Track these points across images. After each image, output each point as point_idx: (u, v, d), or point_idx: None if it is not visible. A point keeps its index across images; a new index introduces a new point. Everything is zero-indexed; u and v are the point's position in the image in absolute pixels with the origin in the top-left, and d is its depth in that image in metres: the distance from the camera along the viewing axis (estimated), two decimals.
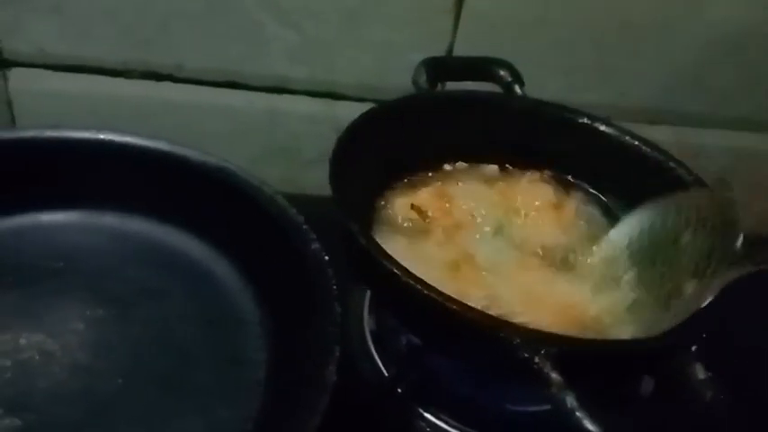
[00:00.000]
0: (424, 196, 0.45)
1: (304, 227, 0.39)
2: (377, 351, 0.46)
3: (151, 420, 0.36)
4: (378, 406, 0.44)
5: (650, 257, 0.42)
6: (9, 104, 0.59)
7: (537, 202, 0.47)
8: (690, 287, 0.38)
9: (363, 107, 0.60)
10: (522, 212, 0.46)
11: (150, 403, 0.37)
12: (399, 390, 0.43)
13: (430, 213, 0.44)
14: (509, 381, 0.41)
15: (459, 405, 0.43)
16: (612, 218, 0.48)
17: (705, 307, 0.37)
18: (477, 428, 0.42)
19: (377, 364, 0.45)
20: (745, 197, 0.68)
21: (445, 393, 0.43)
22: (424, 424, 0.42)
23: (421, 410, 0.42)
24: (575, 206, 0.47)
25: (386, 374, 0.44)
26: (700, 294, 0.35)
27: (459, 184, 0.48)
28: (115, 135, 0.44)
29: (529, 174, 0.49)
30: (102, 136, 0.43)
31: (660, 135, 0.64)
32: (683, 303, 0.36)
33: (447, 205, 0.45)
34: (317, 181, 0.62)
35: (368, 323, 0.47)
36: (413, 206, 0.44)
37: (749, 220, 0.69)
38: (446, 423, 0.42)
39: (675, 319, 0.34)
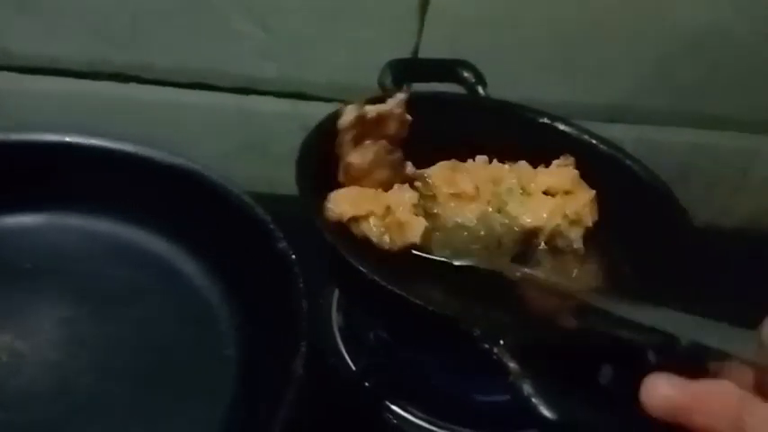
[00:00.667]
0: None
1: (271, 226, 0.40)
2: (345, 347, 0.46)
3: (126, 418, 0.37)
4: (346, 400, 0.45)
5: None
6: None
7: None
8: None
9: (332, 107, 0.61)
10: None
11: (125, 401, 0.37)
12: (367, 383, 0.44)
13: None
14: (473, 371, 0.42)
15: (428, 397, 0.44)
16: None
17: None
18: (446, 420, 0.43)
19: (345, 359, 0.46)
20: (704, 192, 0.71)
21: (413, 386, 0.45)
22: (391, 416, 0.43)
23: (389, 403, 0.43)
24: None
25: (354, 368, 0.45)
26: None
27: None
28: (81, 137, 0.44)
29: None
30: (68, 138, 0.44)
31: (620, 133, 0.66)
32: None
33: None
34: (286, 179, 0.64)
35: (336, 320, 0.48)
36: None
37: (708, 214, 0.72)
38: (413, 415, 0.43)
39: None
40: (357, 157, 0.43)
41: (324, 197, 0.42)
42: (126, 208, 0.45)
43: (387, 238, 0.40)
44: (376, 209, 0.41)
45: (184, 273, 0.43)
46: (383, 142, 0.44)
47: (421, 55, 0.59)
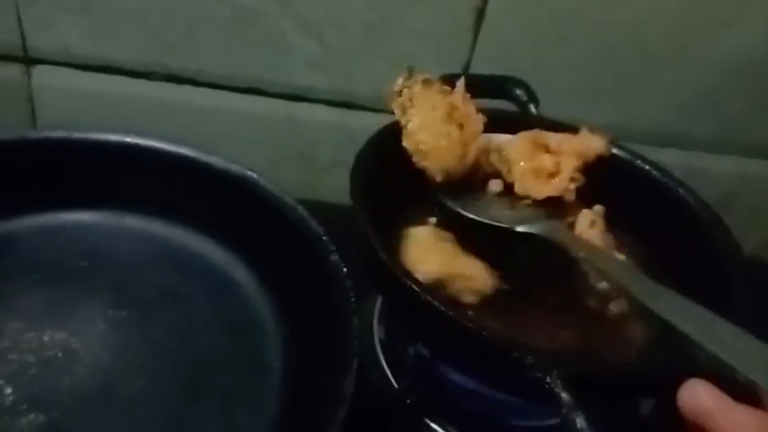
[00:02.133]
0: None
1: (324, 238, 0.40)
2: (386, 361, 0.46)
3: (170, 422, 0.37)
4: (385, 415, 0.45)
5: None
6: (31, 101, 0.60)
7: None
8: None
9: (379, 117, 0.61)
10: None
11: (170, 406, 0.38)
12: (408, 400, 0.44)
13: None
14: (519, 397, 0.42)
15: (467, 417, 0.44)
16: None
17: None
18: None
19: (386, 374, 0.46)
20: (748, 222, 0.70)
21: (453, 405, 0.44)
22: None
23: (428, 421, 0.43)
24: None
25: (395, 384, 0.45)
26: None
27: None
28: (141, 139, 0.45)
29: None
30: (128, 139, 0.44)
31: (666, 158, 0.65)
32: None
33: None
34: (332, 187, 0.64)
35: (378, 332, 0.48)
36: None
37: (750, 246, 0.71)
38: None
39: None
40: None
41: (374, 206, 0.42)
42: (182, 212, 0.45)
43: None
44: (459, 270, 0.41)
45: (235, 281, 0.43)
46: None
47: (472, 71, 0.59)
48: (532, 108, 0.52)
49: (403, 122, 0.43)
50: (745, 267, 0.43)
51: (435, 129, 0.42)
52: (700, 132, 0.65)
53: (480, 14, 0.57)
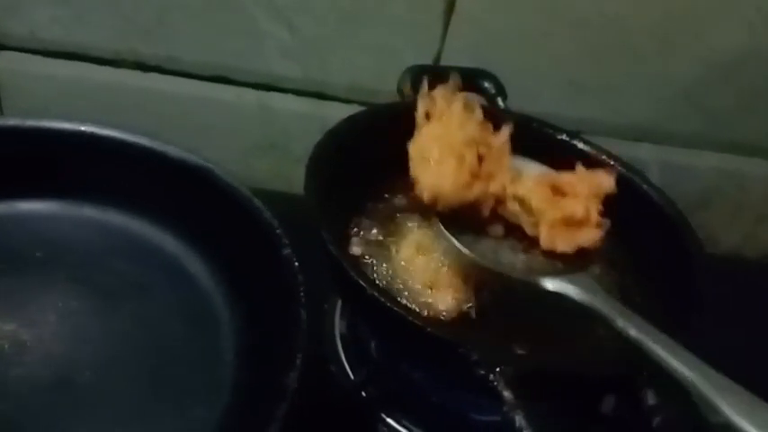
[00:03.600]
0: None
1: (277, 231, 0.40)
2: (345, 354, 0.46)
3: (125, 414, 0.37)
4: (342, 408, 0.44)
5: None
6: None
7: None
8: None
9: (351, 108, 0.61)
10: None
11: (124, 397, 0.38)
12: (364, 393, 0.43)
13: None
14: (470, 390, 0.42)
15: (423, 412, 0.44)
16: None
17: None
18: None
19: (344, 367, 0.46)
20: (728, 219, 0.69)
21: (410, 399, 0.44)
22: (386, 429, 0.43)
23: (384, 415, 0.43)
24: None
25: (352, 378, 0.45)
26: None
27: None
28: (97, 127, 0.44)
29: None
30: (83, 128, 0.44)
31: (646, 153, 0.65)
32: None
33: None
34: (303, 179, 0.64)
35: (339, 326, 0.48)
36: None
37: (731, 242, 0.71)
38: (408, 429, 0.43)
39: None
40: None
41: (333, 206, 0.42)
42: (138, 202, 0.45)
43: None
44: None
45: (191, 272, 0.43)
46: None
47: (444, 62, 0.59)
48: (500, 101, 0.52)
49: (419, 122, 0.41)
50: (705, 265, 0.43)
51: (452, 145, 0.39)
52: (681, 128, 0.64)
53: (450, 4, 0.56)
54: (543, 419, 0.31)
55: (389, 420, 0.43)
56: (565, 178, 0.40)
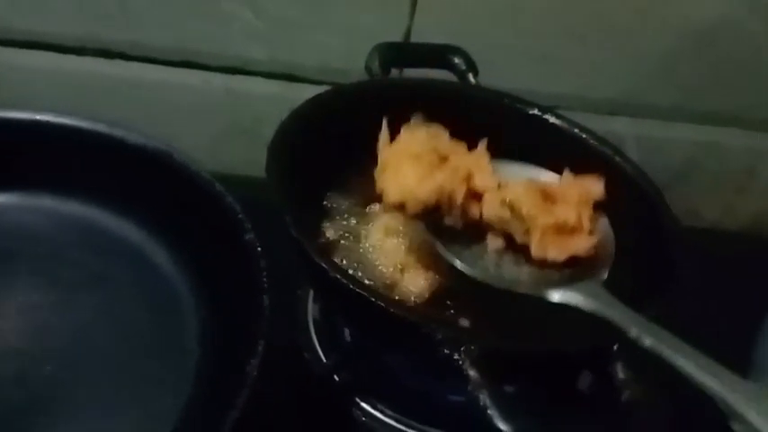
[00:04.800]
0: None
1: (240, 216, 0.39)
2: (319, 339, 0.46)
3: (84, 408, 0.36)
4: (316, 393, 0.44)
5: None
6: None
7: None
8: None
9: (322, 89, 0.60)
10: None
11: (84, 391, 0.37)
12: (337, 378, 0.43)
13: None
14: (444, 371, 0.41)
15: (398, 395, 0.43)
16: None
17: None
18: (416, 419, 0.42)
19: (317, 352, 0.45)
20: (709, 191, 0.69)
21: (384, 383, 0.44)
22: (360, 413, 0.42)
23: (358, 400, 0.42)
24: None
25: (324, 362, 0.44)
26: None
27: None
28: (52, 116, 0.43)
29: None
30: (39, 117, 0.43)
31: (622, 127, 0.64)
32: None
33: None
34: None
35: (312, 312, 0.47)
36: None
37: (712, 214, 0.70)
38: (383, 413, 0.42)
39: None
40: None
41: (299, 189, 0.41)
42: (98, 190, 0.44)
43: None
44: None
45: (154, 261, 0.42)
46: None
47: (413, 39, 0.57)
48: (471, 77, 0.51)
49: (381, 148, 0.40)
50: (680, 238, 0.43)
51: (413, 152, 0.38)
52: (656, 100, 0.64)
53: None
54: (509, 399, 0.30)
55: (363, 404, 0.42)
56: (554, 185, 0.39)
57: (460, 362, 0.32)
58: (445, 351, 0.32)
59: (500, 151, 0.49)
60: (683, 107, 0.64)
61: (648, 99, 0.63)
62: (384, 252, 0.42)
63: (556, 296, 0.35)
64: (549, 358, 0.35)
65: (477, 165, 0.39)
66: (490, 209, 0.38)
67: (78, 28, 0.56)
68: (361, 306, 0.34)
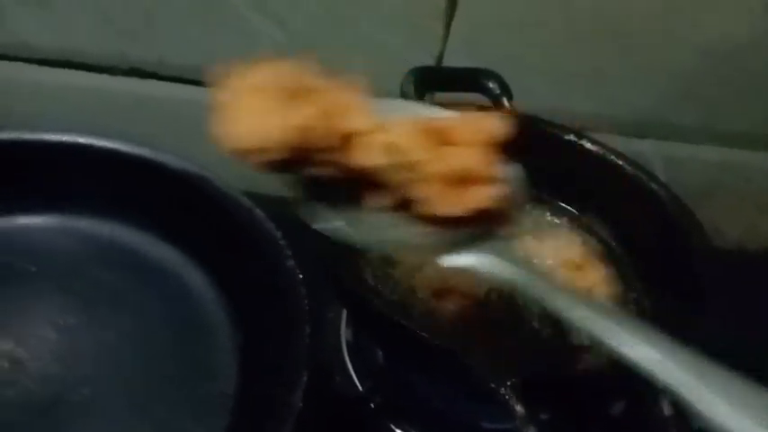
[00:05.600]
0: None
1: (280, 242, 0.39)
2: (352, 363, 0.45)
3: None
4: (350, 418, 0.44)
5: None
6: None
7: None
8: None
9: None
10: None
11: (118, 415, 0.37)
12: (372, 404, 0.43)
13: None
14: (479, 398, 0.41)
15: (433, 421, 0.43)
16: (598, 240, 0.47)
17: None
18: None
19: (351, 377, 0.45)
20: (732, 212, 0.69)
21: (419, 409, 0.43)
22: None
23: (393, 426, 0.42)
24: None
25: (360, 387, 0.44)
26: None
27: None
28: (95, 139, 0.43)
29: None
30: (81, 140, 0.43)
31: (649, 148, 0.64)
32: None
33: None
34: None
35: (345, 334, 0.47)
36: None
37: (734, 234, 0.70)
38: None
39: None
40: None
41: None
42: (136, 213, 0.44)
43: None
44: None
45: (191, 284, 0.42)
46: None
47: (445, 62, 0.58)
48: (505, 101, 0.51)
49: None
50: (713, 261, 0.42)
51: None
52: (680, 121, 0.63)
53: (453, 2, 0.55)
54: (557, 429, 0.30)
55: (398, 431, 0.42)
56: (449, 123, 0.30)
57: (506, 396, 0.31)
58: (491, 385, 0.32)
59: (532, 175, 0.49)
60: (708, 127, 0.64)
61: (673, 119, 0.63)
62: (420, 277, 0.42)
63: (447, 261, 0.28)
64: (593, 390, 0.35)
65: (350, 101, 0.30)
66: (369, 155, 0.29)
67: (105, 47, 0.56)
68: (407, 338, 0.34)
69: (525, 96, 0.51)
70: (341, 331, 0.48)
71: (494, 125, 0.30)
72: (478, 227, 0.29)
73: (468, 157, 0.29)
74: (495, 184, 0.29)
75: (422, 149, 0.29)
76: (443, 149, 0.29)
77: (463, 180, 0.29)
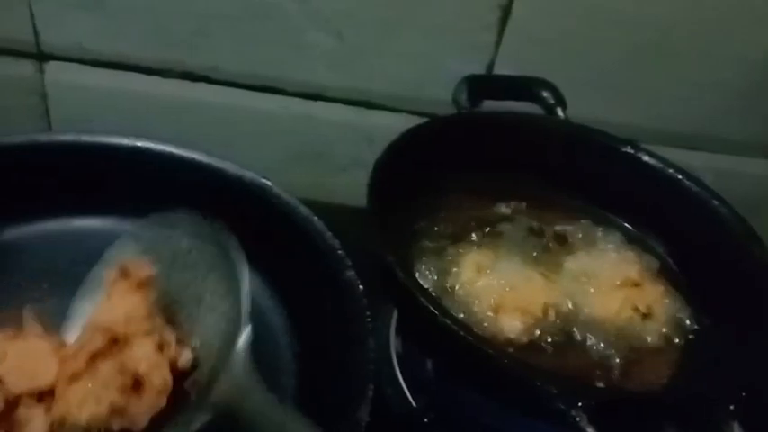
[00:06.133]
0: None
1: (339, 252, 0.39)
2: (403, 375, 0.45)
3: None
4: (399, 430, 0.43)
5: None
6: (44, 97, 0.59)
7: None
8: None
9: (397, 117, 0.60)
10: None
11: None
12: (426, 419, 0.42)
13: None
14: (541, 419, 0.40)
15: None
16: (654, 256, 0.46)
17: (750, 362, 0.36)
18: None
19: (402, 390, 0.44)
20: None
21: (472, 422, 0.43)
22: None
23: None
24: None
25: (411, 401, 0.44)
26: None
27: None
28: (152, 143, 0.43)
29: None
30: (139, 144, 0.43)
31: (695, 160, 0.63)
32: None
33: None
34: (346, 188, 0.63)
35: (394, 345, 0.47)
36: None
37: None
38: None
39: None
40: None
41: (393, 223, 0.40)
42: None
43: None
44: None
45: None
46: None
47: (495, 71, 0.57)
48: (560, 111, 0.50)
49: None
50: None
51: None
52: (729, 134, 0.62)
53: (506, 12, 0.54)
54: None
55: None
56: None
57: (576, 418, 0.31)
58: (560, 406, 0.31)
59: (587, 187, 0.49)
60: (757, 141, 0.63)
61: (722, 132, 0.62)
62: (476, 291, 0.41)
63: None
64: (661, 411, 0.34)
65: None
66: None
67: (158, 52, 0.57)
68: (471, 355, 0.33)
69: (573, 108, 0.51)
70: (390, 343, 0.47)
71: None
72: None
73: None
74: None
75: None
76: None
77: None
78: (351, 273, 0.38)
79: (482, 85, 0.51)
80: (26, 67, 0.57)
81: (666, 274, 0.46)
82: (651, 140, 0.59)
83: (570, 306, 0.41)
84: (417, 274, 0.41)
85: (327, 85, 0.59)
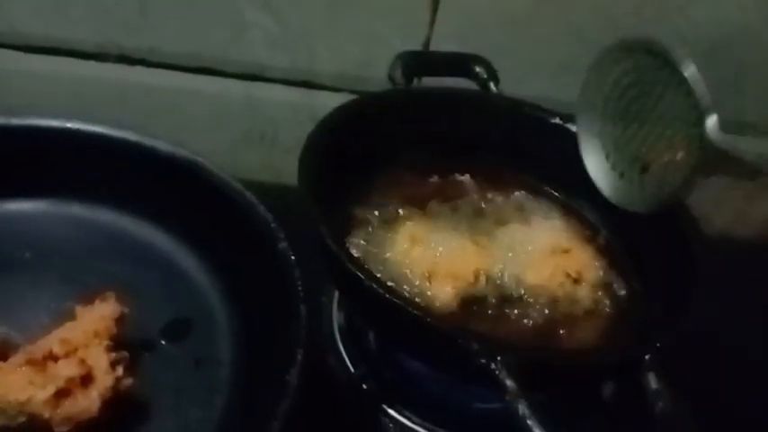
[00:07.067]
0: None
1: (272, 225, 0.39)
2: (344, 347, 0.46)
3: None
4: (343, 401, 0.44)
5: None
6: None
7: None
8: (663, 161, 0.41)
9: (343, 97, 0.60)
10: None
11: None
12: (365, 386, 0.43)
13: None
14: (471, 381, 0.41)
15: (426, 402, 0.43)
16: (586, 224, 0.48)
17: (662, 318, 0.38)
18: (443, 426, 0.42)
19: (344, 361, 0.45)
20: (719, 198, 0.69)
21: (412, 390, 0.44)
22: (388, 421, 0.42)
23: (386, 407, 0.43)
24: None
25: (352, 371, 0.45)
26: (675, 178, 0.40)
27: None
28: (83, 124, 0.43)
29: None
30: (69, 125, 0.43)
31: None
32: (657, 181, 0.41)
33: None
34: (293, 169, 0.63)
35: (337, 318, 0.48)
36: None
37: (722, 221, 0.71)
38: (411, 420, 0.42)
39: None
40: None
41: (328, 197, 0.41)
42: (128, 198, 0.44)
43: None
44: None
45: (184, 269, 0.42)
46: None
47: (432, 47, 0.58)
48: (493, 86, 0.51)
49: None
50: (702, 247, 0.43)
51: None
52: None
53: None
54: (545, 407, 0.31)
55: (392, 412, 0.43)
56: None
57: (497, 371, 0.32)
58: (481, 361, 0.32)
59: (520, 159, 0.50)
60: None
61: None
62: (410, 260, 0.42)
63: None
64: (584, 368, 0.36)
65: None
66: None
67: (98, 34, 0.56)
68: (398, 316, 0.34)
69: (510, 85, 0.52)
70: (333, 316, 0.48)
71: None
72: None
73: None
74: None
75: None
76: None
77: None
78: (283, 245, 0.38)
79: (416, 62, 0.51)
80: None
81: (599, 243, 0.47)
82: None
83: (502, 273, 0.43)
84: (351, 247, 0.42)
85: (267, 64, 0.59)
